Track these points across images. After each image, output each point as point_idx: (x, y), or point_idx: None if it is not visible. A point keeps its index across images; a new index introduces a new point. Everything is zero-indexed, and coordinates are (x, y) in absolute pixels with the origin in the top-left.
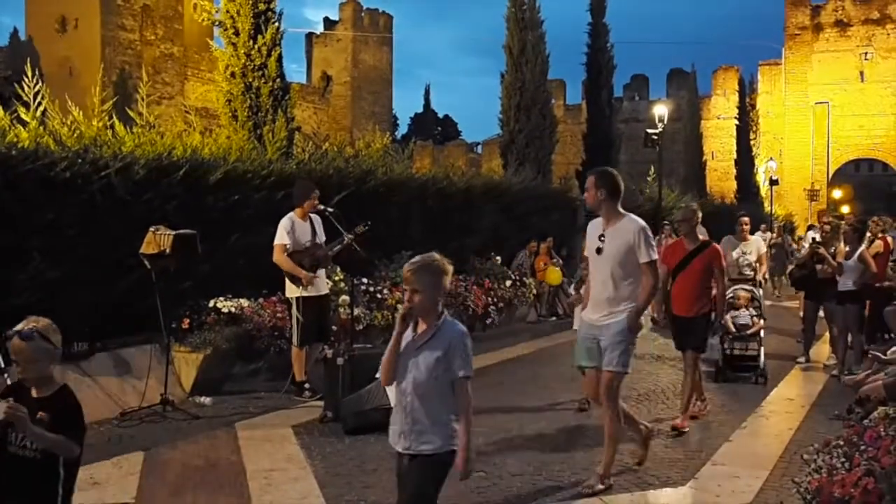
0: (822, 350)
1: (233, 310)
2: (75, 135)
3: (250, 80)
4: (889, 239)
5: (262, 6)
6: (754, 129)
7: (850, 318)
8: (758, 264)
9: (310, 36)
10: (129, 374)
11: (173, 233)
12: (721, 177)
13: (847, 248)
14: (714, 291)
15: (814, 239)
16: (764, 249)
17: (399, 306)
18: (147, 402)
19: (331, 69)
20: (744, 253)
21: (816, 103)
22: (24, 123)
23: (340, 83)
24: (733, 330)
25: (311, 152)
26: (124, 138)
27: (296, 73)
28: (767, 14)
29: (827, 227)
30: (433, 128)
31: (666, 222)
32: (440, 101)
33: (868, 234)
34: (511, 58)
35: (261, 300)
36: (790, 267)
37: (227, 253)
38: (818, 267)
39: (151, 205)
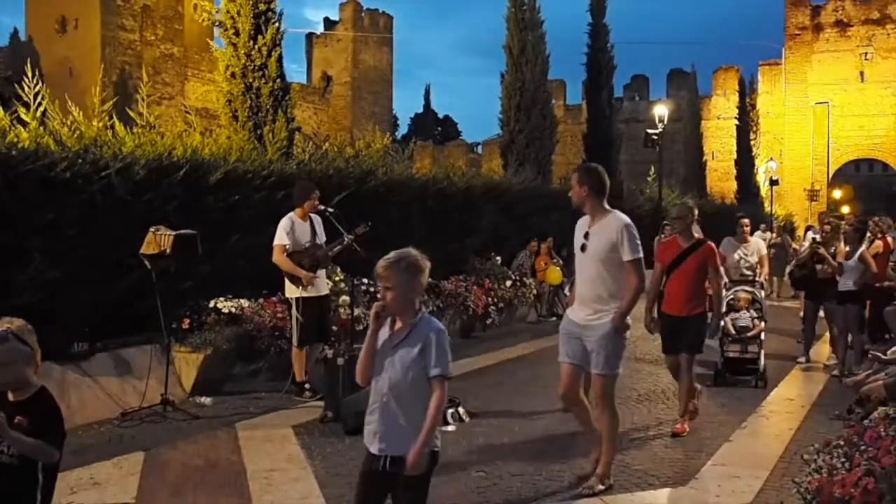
0: (822, 350)
1: (233, 310)
2: (75, 135)
3: (250, 80)
4: (889, 239)
5: (262, 6)
6: (754, 129)
7: (851, 318)
8: (759, 266)
9: (310, 36)
10: (130, 375)
11: (174, 233)
12: (721, 177)
13: (847, 249)
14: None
15: (814, 239)
16: (765, 251)
17: None
18: (147, 402)
19: (331, 69)
20: (745, 255)
21: (816, 103)
22: (24, 124)
23: (340, 83)
24: (733, 332)
25: (312, 152)
26: (124, 139)
27: (296, 73)
28: (767, 14)
29: (827, 228)
30: (433, 128)
31: (666, 222)
32: (440, 101)
33: (868, 235)
34: (511, 58)
35: (261, 300)
36: (789, 267)
37: (228, 253)
38: (818, 267)
39: (152, 205)
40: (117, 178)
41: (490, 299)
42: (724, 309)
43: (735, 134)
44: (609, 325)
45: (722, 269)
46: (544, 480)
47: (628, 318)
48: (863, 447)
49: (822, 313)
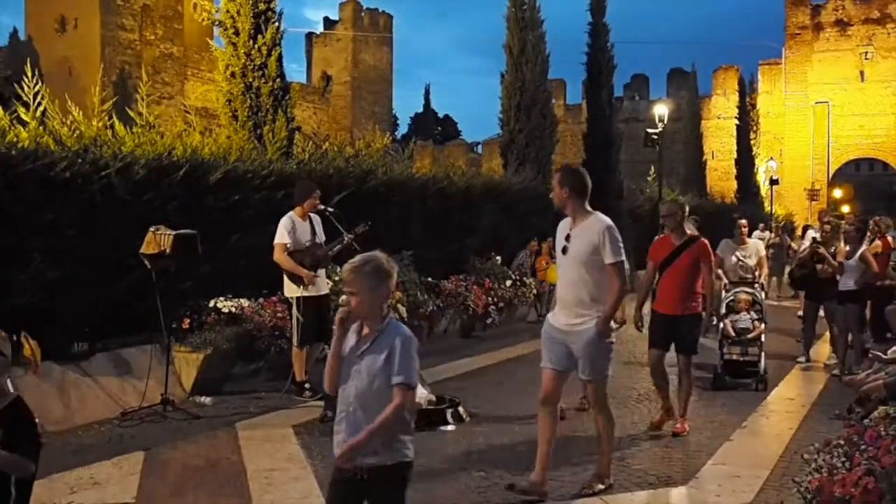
0: (822, 350)
1: (233, 310)
2: (75, 135)
3: (250, 79)
4: (889, 238)
5: (262, 6)
6: (754, 128)
7: (851, 317)
8: (758, 267)
9: (310, 36)
10: (130, 374)
11: (173, 233)
12: (721, 176)
13: (848, 248)
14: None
15: (814, 239)
16: (763, 252)
17: (399, 306)
18: (147, 402)
19: (331, 69)
20: (742, 257)
21: (817, 103)
22: (23, 123)
23: (340, 83)
24: (733, 334)
25: (312, 152)
26: (124, 138)
27: (296, 72)
28: (768, 14)
29: (827, 227)
30: (433, 128)
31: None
32: (440, 100)
33: (868, 234)
34: (511, 57)
35: (261, 300)
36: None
37: (228, 253)
38: (818, 267)
39: (151, 205)
40: (117, 178)
41: (490, 299)
42: (723, 310)
43: (735, 133)
44: (593, 330)
45: (721, 272)
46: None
47: (613, 322)
48: (863, 446)
49: (822, 313)
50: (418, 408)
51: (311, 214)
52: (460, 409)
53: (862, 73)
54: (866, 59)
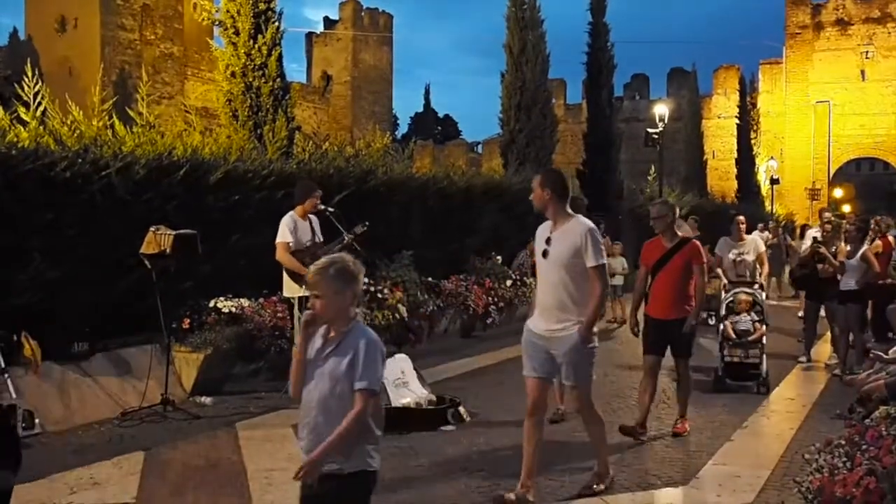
0: (823, 350)
1: (233, 310)
2: (75, 134)
3: (250, 79)
4: (890, 238)
5: (262, 6)
6: (755, 128)
7: (852, 317)
8: (758, 264)
9: (310, 35)
10: (130, 374)
11: (174, 233)
12: (722, 176)
13: (849, 248)
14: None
15: (815, 238)
16: (763, 248)
17: (399, 306)
18: (147, 402)
19: (331, 69)
20: (740, 254)
21: (817, 102)
22: (24, 123)
23: (340, 83)
24: (733, 336)
25: (312, 152)
26: (124, 138)
27: (296, 72)
28: (768, 13)
29: (828, 227)
30: (433, 127)
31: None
32: (440, 100)
33: (869, 234)
34: (511, 57)
35: (261, 300)
36: (788, 267)
37: (228, 253)
38: (819, 266)
39: (152, 205)
40: (117, 178)
41: (490, 299)
42: (723, 311)
43: (736, 133)
44: (576, 336)
45: (720, 271)
46: (545, 480)
47: (607, 323)
48: (864, 446)
49: (822, 313)
50: (418, 408)
51: (310, 215)
52: (461, 409)
53: (863, 72)
54: (867, 58)
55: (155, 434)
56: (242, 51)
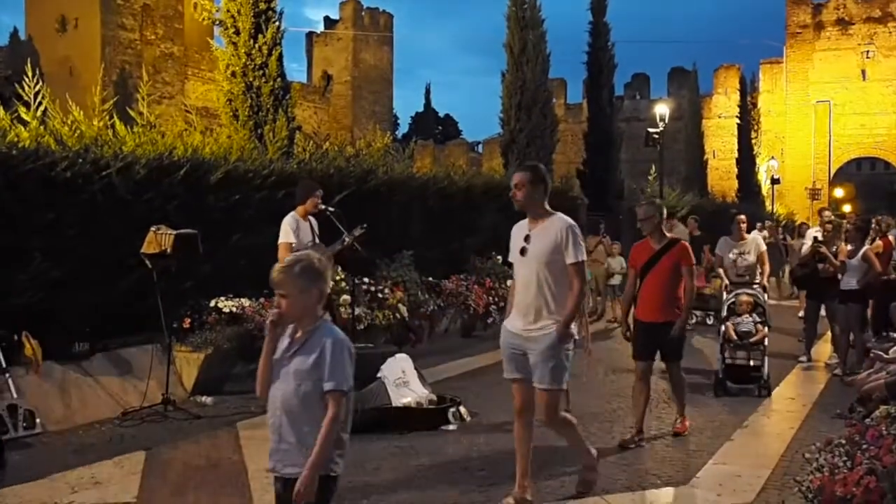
0: (823, 349)
1: (234, 309)
2: (76, 134)
3: (251, 79)
4: (890, 238)
5: (262, 5)
6: (756, 127)
7: (853, 317)
8: (759, 264)
9: (310, 35)
10: (131, 374)
11: (174, 232)
12: (722, 176)
13: (851, 247)
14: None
15: (815, 238)
16: (764, 247)
17: (400, 305)
18: (148, 401)
19: (331, 68)
20: (740, 253)
21: (818, 102)
22: (24, 123)
23: (341, 82)
24: (734, 338)
25: (312, 152)
26: (125, 138)
27: (296, 72)
28: (769, 12)
29: (829, 227)
30: (434, 127)
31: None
32: (441, 100)
33: (870, 234)
34: (512, 57)
35: (262, 300)
36: (786, 267)
37: (229, 253)
38: (820, 266)
39: (152, 204)
40: (118, 178)
41: (491, 298)
42: (724, 313)
43: (736, 133)
44: (554, 335)
45: (720, 271)
46: (545, 479)
47: (573, 326)
48: (864, 446)
49: (823, 312)
50: (419, 407)
51: (309, 216)
52: (461, 408)
53: (863, 71)
54: (868, 57)
55: (156, 434)
56: (243, 50)
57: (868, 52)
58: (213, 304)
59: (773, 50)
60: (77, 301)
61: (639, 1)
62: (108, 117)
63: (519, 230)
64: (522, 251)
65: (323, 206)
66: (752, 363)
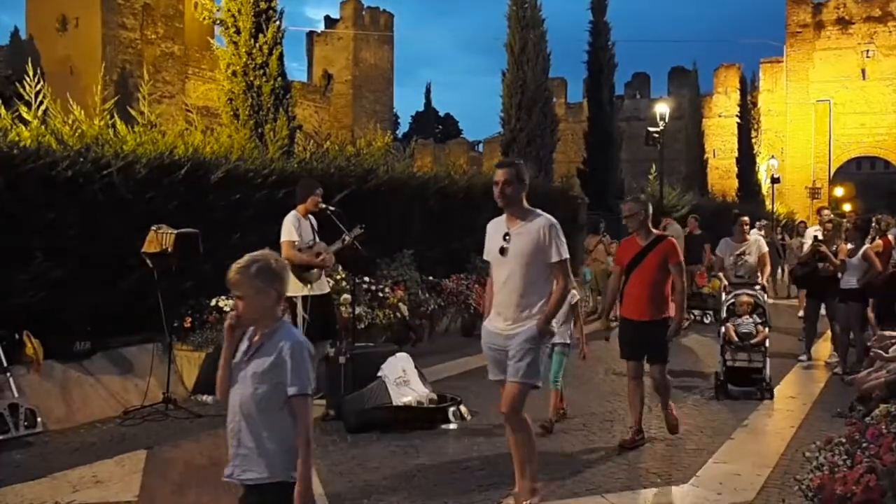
0: (823, 348)
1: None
2: (77, 134)
3: (251, 78)
4: (890, 237)
5: (262, 5)
6: (756, 127)
7: (853, 316)
8: (760, 266)
9: (311, 34)
10: (132, 373)
11: (175, 231)
12: (722, 175)
13: (851, 246)
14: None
15: (815, 237)
16: (765, 249)
17: (401, 304)
18: (149, 400)
19: (332, 68)
20: (742, 254)
21: (818, 101)
22: (25, 122)
23: (341, 82)
24: (735, 339)
25: (313, 151)
26: (126, 137)
27: (297, 71)
28: (769, 12)
29: (829, 226)
30: (434, 126)
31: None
32: (441, 99)
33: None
34: (512, 56)
35: None
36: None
37: (229, 252)
38: (820, 265)
39: (153, 204)
40: (119, 177)
41: None
42: (724, 314)
43: (736, 132)
44: (533, 329)
45: (720, 274)
46: (545, 478)
47: (553, 324)
48: (864, 444)
49: (823, 311)
50: (419, 406)
51: (309, 214)
52: (462, 407)
53: (863, 71)
54: (868, 57)
55: (157, 432)
56: (243, 50)
57: (868, 51)
58: (213, 303)
59: (774, 49)
60: (78, 300)
61: (639, 0)
62: (108, 117)
63: (496, 228)
64: (502, 251)
65: (323, 205)
66: (753, 365)
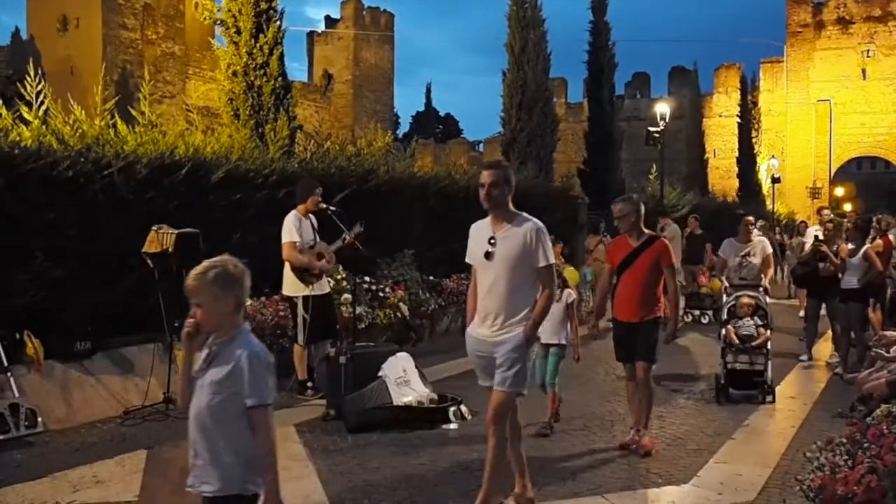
0: (824, 348)
1: None
2: (77, 134)
3: (252, 78)
4: (890, 237)
5: (263, 5)
6: (756, 126)
7: (853, 316)
8: (764, 267)
9: (311, 34)
10: (132, 373)
11: (176, 231)
12: (723, 175)
13: (851, 246)
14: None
15: (816, 237)
16: (770, 250)
17: (401, 304)
18: (150, 400)
19: (332, 67)
20: (747, 255)
21: (818, 101)
22: (26, 123)
23: (342, 81)
24: (736, 341)
25: (313, 151)
26: (126, 137)
27: (297, 71)
28: (769, 12)
29: (830, 226)
30: (435, 126)
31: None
32: (441, 99)
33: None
34: (513, 56)
35: (263, 299)
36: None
37: (230, 252)
38: (820, 265)
39: (154, 204)
40: (119, 177)
41: None
42: (725, 316)
43: (737, 132)
44: (521, 336)
45: (723, 277)
46: (546, 478)
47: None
48: (865, 445)
49: (823, 311)
50: (420, 406)
51: (309, 214)
52: (462, 407)
53: (864, 70)
54: (868, 56)
55: (157, 432)
56: (244, 50)
57: (868, 51)
58: None
59: (774, 49)
60: (78, 300)
61: (639, 0)
62: (109, 117)
63: (480, 231)
64: (488, 255)
65: (324, 205)
66: (754, 367)
